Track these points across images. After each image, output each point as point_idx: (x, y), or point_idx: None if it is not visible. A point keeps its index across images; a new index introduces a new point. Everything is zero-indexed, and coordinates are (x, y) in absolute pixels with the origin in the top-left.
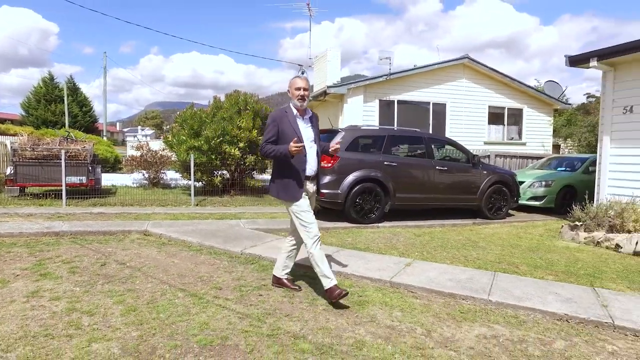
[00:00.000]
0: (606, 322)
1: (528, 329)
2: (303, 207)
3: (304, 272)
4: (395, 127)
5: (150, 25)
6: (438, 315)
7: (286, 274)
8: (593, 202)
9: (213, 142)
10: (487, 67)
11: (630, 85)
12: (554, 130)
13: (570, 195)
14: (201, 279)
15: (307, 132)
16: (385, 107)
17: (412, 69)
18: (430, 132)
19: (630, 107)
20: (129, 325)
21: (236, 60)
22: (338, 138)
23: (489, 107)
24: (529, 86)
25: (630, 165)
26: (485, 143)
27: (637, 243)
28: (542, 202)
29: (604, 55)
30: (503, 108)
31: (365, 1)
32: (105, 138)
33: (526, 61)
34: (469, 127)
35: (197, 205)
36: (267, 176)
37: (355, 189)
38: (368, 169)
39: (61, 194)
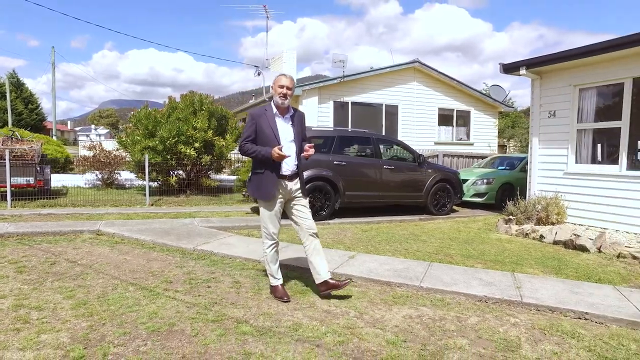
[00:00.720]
0: (516, 301)
1: (450, 309)
2: (269, 211)
3: (253, 266)
4: (350, 128)
5: (104, 20)
6: (372, 301)
7: (328, 272)
8: (526, 198)
9: (168, 142)
10: (436, 70)
11: (553, 92)
12: (500, 131)
13: (509, 191)
14: (152, 274)
15: (286, 131)
16: (340, 108)
17: (366, 72)
18: (384, 132)
19: (554, 112)
20: (78, 317)
21: (196, 58)
22: None
23: (439, 109)
24: (475, 90)
25: (555, 164)
26: (436, 143)
27: (556, 233)
28: (484, 198)
29: (531, 64)
30: (452, 110)
31: (327, 2)
32: (55, 137)
33: (481, 65)
34: (420, 128)
35: (152, 205)
36: (224, 176)
37: (306, 187)
38: (318, 168)
39: (6, 195)
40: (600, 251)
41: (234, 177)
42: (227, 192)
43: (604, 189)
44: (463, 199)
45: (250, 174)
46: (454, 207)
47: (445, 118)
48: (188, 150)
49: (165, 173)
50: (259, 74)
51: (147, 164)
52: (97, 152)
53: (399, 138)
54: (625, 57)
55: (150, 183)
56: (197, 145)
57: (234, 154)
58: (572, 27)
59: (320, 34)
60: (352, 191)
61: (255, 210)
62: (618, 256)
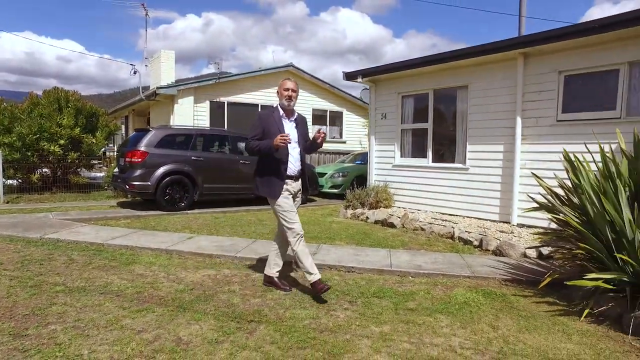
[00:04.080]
0: None
1: (246, 270)
2: (285, 207)
3: (95, 248)
4: (224, 127)
5: None
6: (186, 267)
7: (277, 272)
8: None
9: (28, 139)
10: (309, 74)
11: (384, 97)
12: None
13: (361, 183)
14: None
15: (291, 132)
16: (216, 109)
17: (241, 74)
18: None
19: (385, 114)
20: None
21: (88, 48)
22: (148, 136)
23: (313, 109)
24: (347, 93)
25: (386, 158)
26: None
27: (376, 215)
28: (339, 189)
29: (366, 74)
30: (325, 111)
31: None
32: None
33: None
34: None
35: (7, 202)
36: (98, 174)
37: (165, 180)
38: (177, 163)
39: None
40: (403, 227)
41: (103, 174)
42: (97, 188)
43: (418, 177)
44: (322, 190)
45: (254, 174)
46: (313, 198)
47: (319, 118)
48: (52, 147)
49: (27, 170)
50: (134, 72)
51: (0, 161)
52: None
53: None
54: (427, 73)
55: (10, 181)
56: (62, 142)
57: (111, 152)
58: (459, 38)
59: (226, 30)
60: (210, 184)
61: (121, 205)
62: (414, 229)
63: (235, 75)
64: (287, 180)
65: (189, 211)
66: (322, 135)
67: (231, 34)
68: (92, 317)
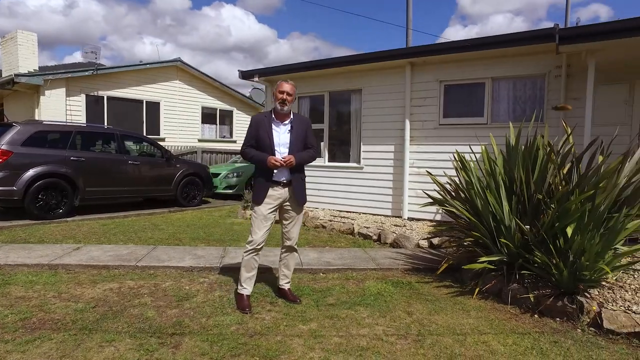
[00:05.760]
0: (215, 266)
1: (153, 279)
2: (258, 215)
3: None
4: (104, 124)
5: None
6: (80, 283)
7: (286, 283)
8: None
9: None
10: (198, 71)
11: None
12: None
13: None
14: None
15: (282, 137)
16: (94, 103)
17: (123, 66)
18: (145, 129)
19: None
20: None
21: None
22: (12, 132)
23: (203, 107)
24: (237, 91)
25: None
26: (200, 140)
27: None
28: (234, 190)
29: (263, 73)
30: (215, 109)
31: None
32: None
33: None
34: (183, 125)
35: None
36: None
37: (36, 184)
38: (51, 164)
39: None
40: (305, 225)
41: None
42: None
43: (315, 176)
44: (216, 191)
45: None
46: (208, 199)
47: (209, 116)
48: None
49: None
50: None
51: None
52: None
53: (162, 135)
54: (323, 75)
55: None
56: None
57: None
58: (340, 43)
59: (94, 16)
60: (94, 187)
61: None
62: (315, 227)
63: (116, 67)
64: (273, 186)
65: (68, 218)
66: (289, 161)
67: (101, 20)
68: None
